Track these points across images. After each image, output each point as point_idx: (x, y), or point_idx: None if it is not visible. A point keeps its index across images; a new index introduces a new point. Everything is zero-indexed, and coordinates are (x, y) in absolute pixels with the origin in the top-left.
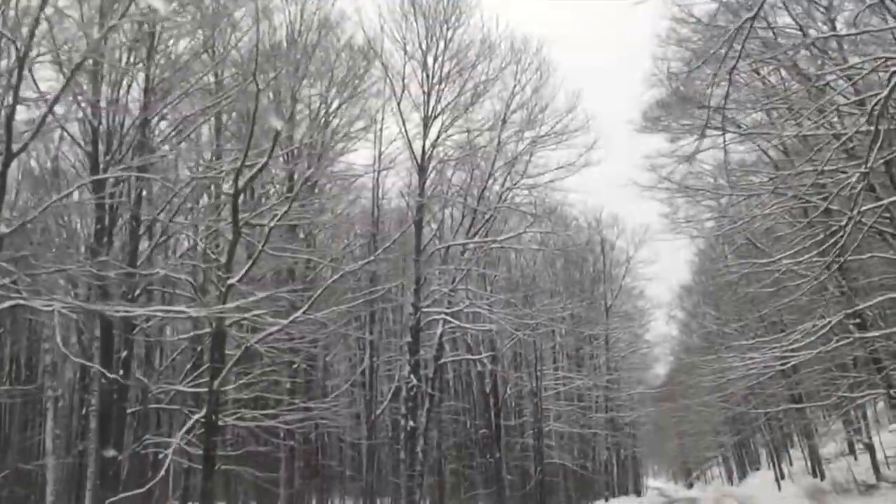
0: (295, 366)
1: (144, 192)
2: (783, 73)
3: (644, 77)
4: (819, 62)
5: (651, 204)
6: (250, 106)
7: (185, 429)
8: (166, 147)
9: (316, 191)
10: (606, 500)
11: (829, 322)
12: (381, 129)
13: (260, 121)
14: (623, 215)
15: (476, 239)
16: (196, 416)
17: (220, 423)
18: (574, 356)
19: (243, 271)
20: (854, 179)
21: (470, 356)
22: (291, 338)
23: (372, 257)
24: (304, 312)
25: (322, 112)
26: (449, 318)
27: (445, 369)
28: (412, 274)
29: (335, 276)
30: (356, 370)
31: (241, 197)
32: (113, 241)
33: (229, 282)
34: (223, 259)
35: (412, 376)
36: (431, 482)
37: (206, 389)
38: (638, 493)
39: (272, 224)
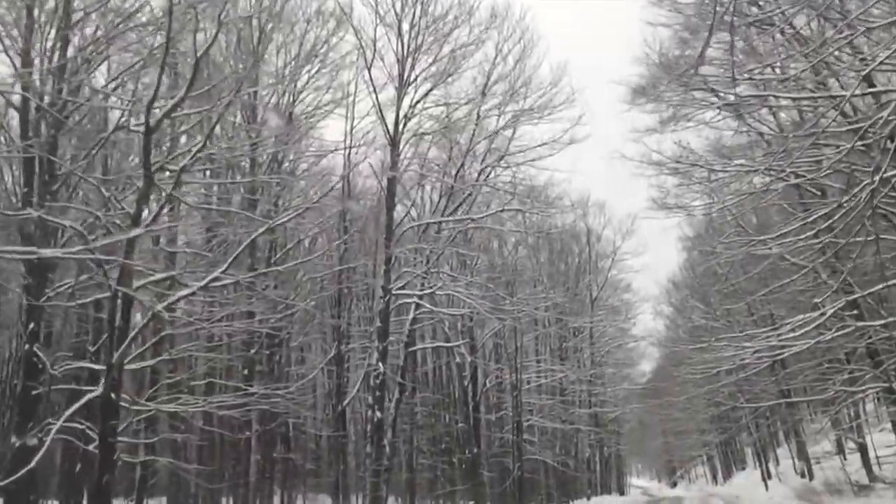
0: (254, 351)
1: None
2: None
3: (634, 55)
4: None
5: (640, 188)
6: (165, 25)
7: (72, 409)
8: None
9: (284, 164)
10: (588, 498)
11: (827, 310)
12: (353, 103)
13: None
14: (611, 204)
15: (451, 217)
16: (90, 395)
17: (147, 408)
18: (557, 350)
19: (147, 222)
20: (887, 113)
21: (444, 344)
22: (249, 316)
23: (303, 208)
24: (223, 272)
25: (289, 78)
26: (421, 301)
27: (423, 360)
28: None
29: (259, 231)
30: (326, 358)
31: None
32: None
33: (131, 234)
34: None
35: (380, 364)
36: (405, 478)
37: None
38: (621, 491)
39: (185, 163)
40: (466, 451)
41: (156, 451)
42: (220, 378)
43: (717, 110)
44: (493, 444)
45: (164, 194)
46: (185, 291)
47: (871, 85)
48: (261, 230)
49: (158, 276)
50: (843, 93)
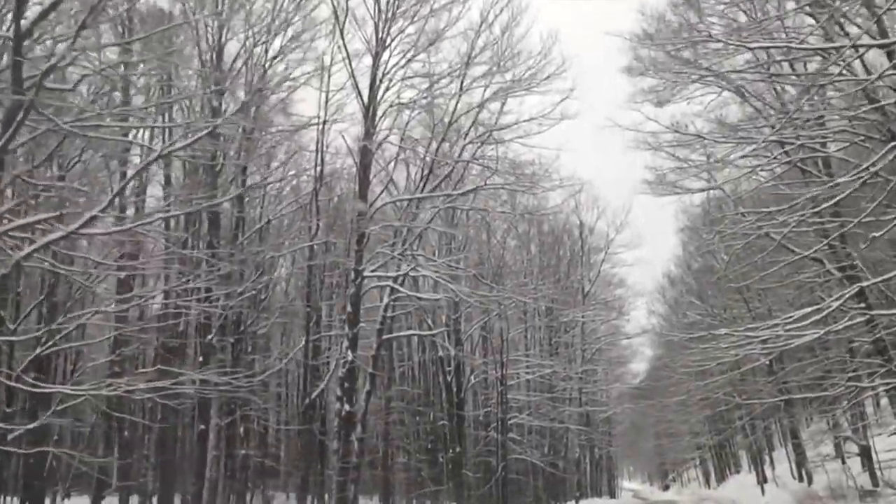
0: (211, 336)
1: None
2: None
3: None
4: None
5: (635, 170)
6: None
7: None
8: None
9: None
10: (577, 500)
11: (835, 300)
12: (328, 71)
13: None
14: (605, 194)
15: (431, 194)
16: None
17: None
18: (547, 347)
19: (3, 140)
20: None
21: (421, 332)
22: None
23: (214, 124)
24: (102, 210)
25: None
26: (396, 285)
27: (409, 356)
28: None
29: (152, 158)
30: (297, 348)
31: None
32: None
33: None
34: None
35: (349, 352)
36: (382, 477)
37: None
38: (612, 494)
39: (50, 65)
40: (450, 450)
41: (112, 443)
42: (177, 366)
43: (718, 89)
44: (479, 443)
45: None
46: (52, 236)
47: (885, 35)
48: (153, 157)
49: (22, 220)
50: (850, 43)
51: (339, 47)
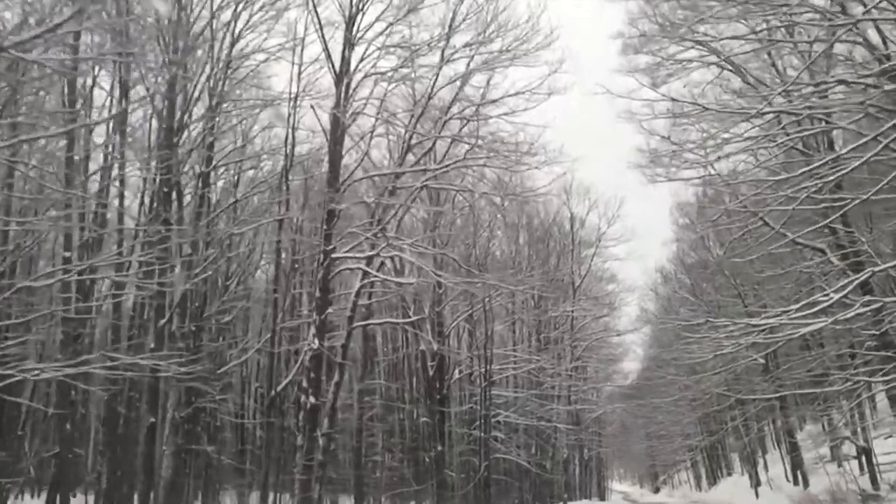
0: (165, 320)
1: None
2: None
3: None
4: None
5: (628, 152)
6: None
7: None
8: None
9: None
10: (565, 502)
11: (847, 284)
12: (301, 42)
13: None
14: (597, 182)
15: (408, 169)
16: None
17: None
18: (535, 342)
19: None
20: None
21: (396, 321)
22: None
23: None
24: None
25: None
26: (369, 269)
27: (393, 351)
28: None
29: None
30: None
31: None
32: None
33: None
34: None
35: (316, 339)
36: (353, 476)
37: None
38: (601, 496)
39: None
40: (432, 449)
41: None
42: (129, 352)
43: (718, 69)
44: (463, 441)
45: None
46: None
47: None
48: None
49: None
50: None
51: (311, 15)
